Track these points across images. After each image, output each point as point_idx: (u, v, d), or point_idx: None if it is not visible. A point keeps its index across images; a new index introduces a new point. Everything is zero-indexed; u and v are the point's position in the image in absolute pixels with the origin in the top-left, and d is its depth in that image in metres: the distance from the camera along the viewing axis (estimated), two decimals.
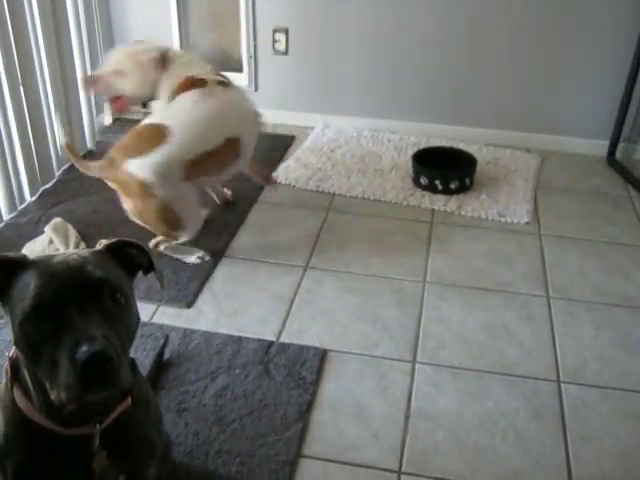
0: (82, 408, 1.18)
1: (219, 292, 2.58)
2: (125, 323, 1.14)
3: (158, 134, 2.42)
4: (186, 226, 2.57)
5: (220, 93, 2.60)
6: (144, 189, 2.40)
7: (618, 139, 3.63)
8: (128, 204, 2.49)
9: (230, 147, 2.59)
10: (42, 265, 1.12)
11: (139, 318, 1.22)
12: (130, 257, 1.25)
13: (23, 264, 1.13)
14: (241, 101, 2.73)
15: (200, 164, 2.49)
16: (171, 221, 2.52)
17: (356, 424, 2.02)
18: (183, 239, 2.63)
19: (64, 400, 1.05)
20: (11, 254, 1.15)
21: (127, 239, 1.25)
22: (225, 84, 2.66)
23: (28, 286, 1.08)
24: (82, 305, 1.07)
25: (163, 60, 2.61)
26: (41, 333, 1.06)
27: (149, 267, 1.29)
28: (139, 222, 2.54)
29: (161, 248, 2.65)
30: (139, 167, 2.39)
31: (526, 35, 3.55)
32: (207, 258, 2.69)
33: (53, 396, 1.07)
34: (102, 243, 1.23)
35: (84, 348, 1.02)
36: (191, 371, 2.18)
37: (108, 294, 1.11)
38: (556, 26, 3.50)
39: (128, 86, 2.63)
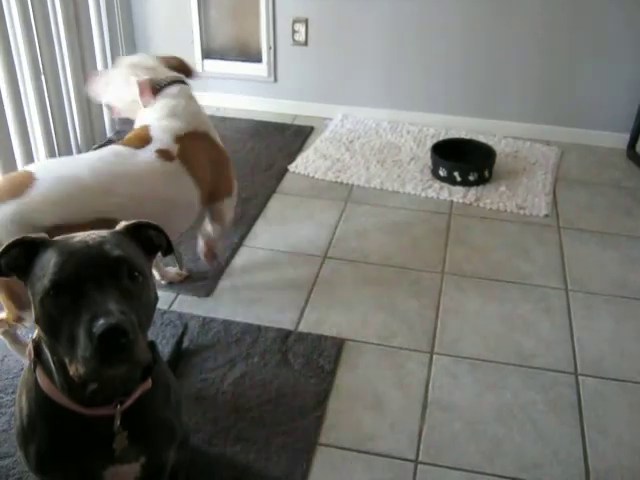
0: (103, 388, 1.20)
1: (238, 281, 2.59)
2: (143, 300, 1.15)
3: (18, 183, 1.84)
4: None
5: (144, 157, 2.03)
6: None
7: (638, 132, 3.60)
8: None
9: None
10: (61, 244, 1.14)
11: (157, 297, 1.23)
12: (149, 238, 1.27)
13: (43, 244, 1.16)
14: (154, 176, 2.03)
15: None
16: (17, 296, 1.89)
17: (373, 414, 2.03)
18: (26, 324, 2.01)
19: (82, 374, 1.07)
20: (32, 235, 1.17)
21: (145, 220, 1.27)
22: (168, 154, 2.07)
23: (48, 263, 1.11)
24: (100, 282, 1.09)
25: (151, 88, 2.21)
26: (60, 309, 1.08)
27: (168, 248, 1.30)
28: None
29: None
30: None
31: (546, 27, 3.52)
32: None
33: (72, 371, 1.09)
34: (121, 224, 1.25)
35: (101, 321, 1.04)
36: (210, 359, 2.20)
37: (125, 272, 1.13)
38: (576, 19, 3.47)
39: (111, 98, 2.34)
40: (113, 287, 1.10)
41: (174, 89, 2.24)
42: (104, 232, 1.19)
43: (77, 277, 1.09)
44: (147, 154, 2.02)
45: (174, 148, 2.08)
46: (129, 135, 2.12)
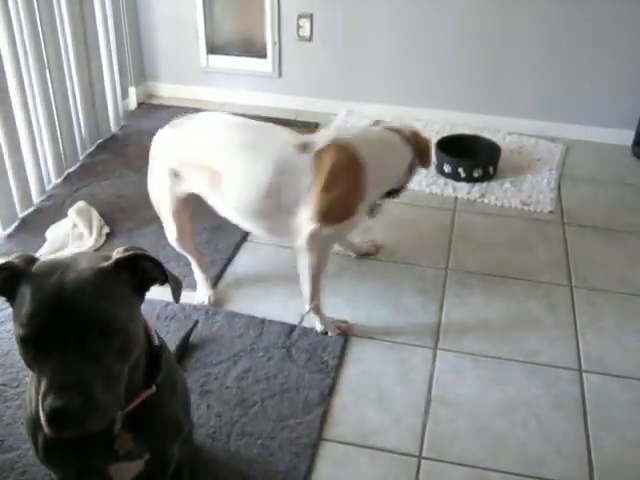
0: None
1: (242, 276, 2.59)
2: (115, 354, 1.11)
3: None
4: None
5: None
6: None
7: None
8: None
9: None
10: (37, 283, 1.10)
11: (139, 340, 1.20)
12: (143, 270, 1.21)
13: (24, 274, 1.12)
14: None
15: None
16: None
17: (377, 409, 2.04)
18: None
19: (45, 429, 1.08)
20: (14, 261, 1.14)
21: (142, 252, 1.20)
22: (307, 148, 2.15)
23: (22, 307, 1.09)
24: (64, 342, 1.07)
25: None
26: (30, 357, 1.10)
27: (164, 279, 1.25)
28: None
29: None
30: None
31: (551, 24, 3.51)
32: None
33: (42, 418, 1.09)
34: (118, 252, 1.19)
35: (48, 400, 1.05)
36: (214, 353, 2.20)
37: (97, 330, 1.08)
38: (581, 15, 3.46)
39: None
40: (76, 349, 1.07)
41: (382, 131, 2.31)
42: (88, 269, 1.12)
43: (41, 337, 1.07)
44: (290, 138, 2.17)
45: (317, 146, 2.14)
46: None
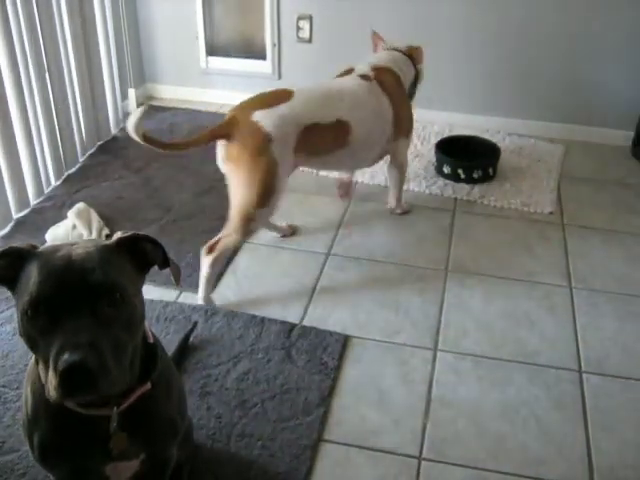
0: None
1: (241, 277, 2.59)
2: (123, 323, 1.13)
3: (283, 95, 2.48)
4: (272, 204, 2.42)
5: (352, 81, 2.70)
6: (260, 144, 2.33)
7: None
8: (233, 164, 2.38)
9: (339, 130, 2.56)
10: (45, 258, 1.12)
11: (143, 316, 1.21)
12: (143, 252, 1.23)
13: (29, 255, 1.14)
14: (367, 95, 2.67)
15: (310, 137, 2.45)
16: (267, 190, 2.36)
17: (377, 410, 2.04)
18: (260, 220, 2.51)
19: (51, 398, 1.08)
20: (18, 245, 1.16)
21: (142, 233, 1.23)
22: (366, 77, 2.71)
23: (29, 281, 1.10)
24: (75, 307, 1.07)
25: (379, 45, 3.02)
26: (37, 330, 1.08)
27: (164, 262, 1.27)
28: (234, 189, 2.40)
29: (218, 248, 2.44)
30: (264, 117, 2.35)
31: (550, 24, 3.52)
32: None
33: (46, 391, 1.09)
34: (117, 235, 1.22)
35: (65, 357, 1.03)
36: (213, 355, 2.20)
37: (105, 296, 1.10)
38: (580, 16, 3.47)
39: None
40: (88, 314, 1.08)
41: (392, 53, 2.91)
42: (92, 245, 1.16)
43: (52, 300, 1.07)
44: (352, 78, 2.72)
45: (371, 73, 2.73)
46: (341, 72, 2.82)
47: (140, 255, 1.22)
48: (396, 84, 2.78)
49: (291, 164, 2.45)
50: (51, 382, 1.06)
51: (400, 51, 2.91)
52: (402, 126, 2.78)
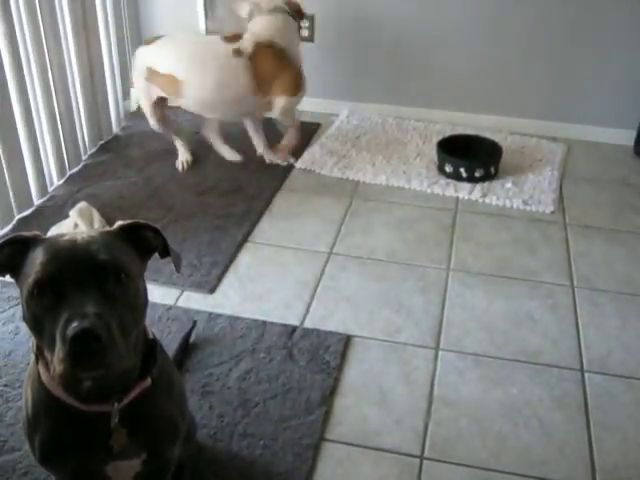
0: (98, 384, 1.20)
1: (243, 277, 2.59)
2: (128, 304, 1.13)
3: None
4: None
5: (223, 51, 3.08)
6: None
7: None
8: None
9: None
10: (50, 243, 1.14)
11: (147, 301, 1.22)
12: (145, 239, 1.25)
13: (34, 242, 1.15)
14: (225, 71, 3.07)
15: (150, 76, 3.14)
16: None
17: (379, 409, 2.03)
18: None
19: (58, 374, 1.07)
20: (24, 233, 1.17)
21: (143, 221, 1.25)
22: (240, 53, 3.05)
23: (34, 262, 1.11)
24: (82, 283, 1.08)
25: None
26: (43, 308, 1.08)
27: (164, 250, 1.28)
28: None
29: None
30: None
31: (552, 23, 3.52)
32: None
33: (52, 371, 1.09)
34: (117, 224, 1.23)
35: (74, 324, 1.03)
36: (215, 354, 2.20)
37: (111, 274, 1.11)
38: (583, 14, 3.46)
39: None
40: (94, 289, 1.09)
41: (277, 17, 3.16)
42: (96, 232, 1.18)
43: (59, 277, 1.08)
44: (228, 47, 3.05)
45: (249, 50, 3.04)
46: (232, 33, 3.14)
47: (141, 242, 1.24)
48: (274, 58, 3.08)
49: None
50: (58, 356, 1.05)
51: (284, 11, 3.16)
52: (282, 87, 3.13)
